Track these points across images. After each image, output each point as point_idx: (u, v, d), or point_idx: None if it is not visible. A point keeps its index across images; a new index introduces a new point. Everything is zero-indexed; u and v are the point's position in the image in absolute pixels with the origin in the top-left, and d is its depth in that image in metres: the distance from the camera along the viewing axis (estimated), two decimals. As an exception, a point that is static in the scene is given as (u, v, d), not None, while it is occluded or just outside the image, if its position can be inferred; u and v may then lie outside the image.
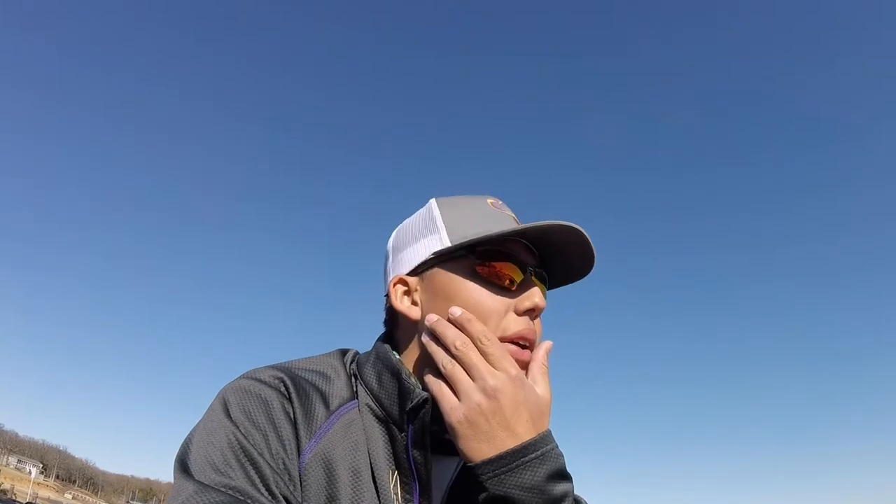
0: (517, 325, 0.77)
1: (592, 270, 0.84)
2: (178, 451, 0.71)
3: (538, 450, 0.68)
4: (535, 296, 0.78)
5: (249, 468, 0.68)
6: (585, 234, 0.78)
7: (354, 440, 0.76)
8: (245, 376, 0.77)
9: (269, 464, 0.69)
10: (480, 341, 0.72)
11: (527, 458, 0.67)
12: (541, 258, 0.83)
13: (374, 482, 0.74)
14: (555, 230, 0.78)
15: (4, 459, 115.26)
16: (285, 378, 0.76)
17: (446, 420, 0.70)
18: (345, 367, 0.84)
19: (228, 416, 0.71)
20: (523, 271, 0.79)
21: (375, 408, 0.78)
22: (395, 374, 0.77)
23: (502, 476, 0.66)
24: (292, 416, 0.73)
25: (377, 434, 0.77)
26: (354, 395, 0.80)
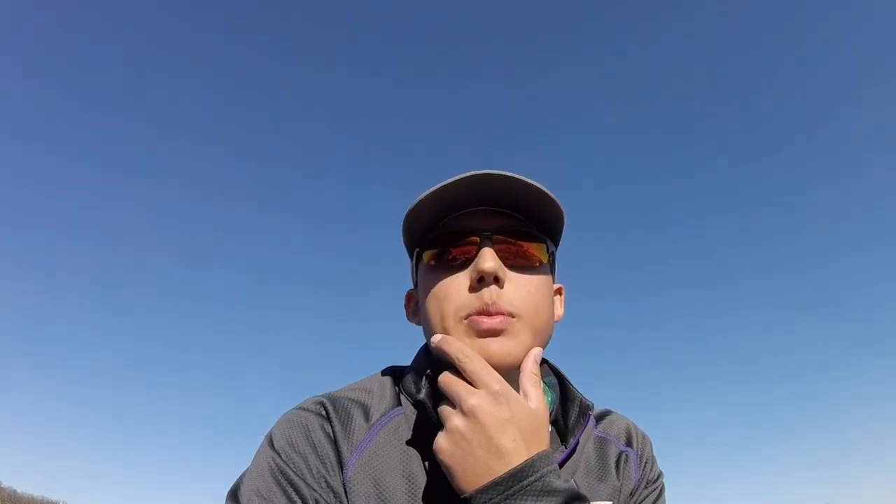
0: (474, 300, 0.75)
1: (557, 209, 0.79)
2: (231, 486, 0.76)
3: (535, 473, 0.62)
4: (479, 262, 0.75)
5: (290, 490, 0.71)
6: (509, 175, 0.74)
7: (402, 447, 0.77)
8: (291, 409, 0.80)
9: (309, 484, 0.72)
10: (459, 360, 0.69)
11: (525, 483, 0.62)
12: (527, 214, 0.80)
13: (428, 488, 0.74)
14: (467, 183, 0.75)
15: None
16: (326, 402, 0.80)
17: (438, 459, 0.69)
18: (392, 379, 0.86)
19: (272, 446, 0.75)
20: (480, 238, 0.77)
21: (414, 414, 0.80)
22: (430, 380, 0.78)
23: None
24: (332, 434, 0.76)
25: (419, 440, 0.78)
26: (398, 404, 0.82)
